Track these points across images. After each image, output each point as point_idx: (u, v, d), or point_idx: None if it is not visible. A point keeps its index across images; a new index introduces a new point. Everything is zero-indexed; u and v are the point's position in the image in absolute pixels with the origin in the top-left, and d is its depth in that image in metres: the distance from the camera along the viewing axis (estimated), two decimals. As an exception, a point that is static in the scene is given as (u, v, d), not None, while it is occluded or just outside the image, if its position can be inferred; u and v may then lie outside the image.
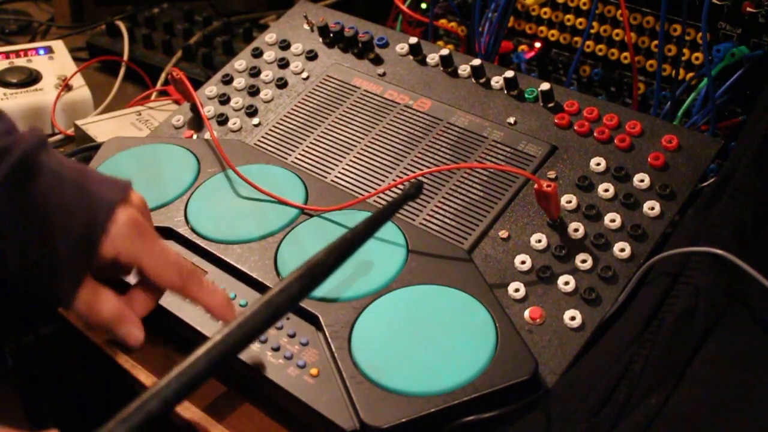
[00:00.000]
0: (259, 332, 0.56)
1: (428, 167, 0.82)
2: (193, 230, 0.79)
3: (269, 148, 0.88)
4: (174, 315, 0.73)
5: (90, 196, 0.64)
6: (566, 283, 0.70)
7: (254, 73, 0.97)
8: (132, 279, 0.70)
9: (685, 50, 0.89)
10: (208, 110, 0.94)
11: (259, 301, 0.55)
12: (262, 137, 0.90)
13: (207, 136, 0.92)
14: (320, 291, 0.71)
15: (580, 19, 0.98)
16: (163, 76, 1.16)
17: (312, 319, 0.70)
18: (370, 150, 0.85)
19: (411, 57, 0.93)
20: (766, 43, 0.83)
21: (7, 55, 1.15)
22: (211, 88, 0.97)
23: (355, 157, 0.85)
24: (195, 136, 0.92)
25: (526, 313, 0.68)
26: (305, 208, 0.80)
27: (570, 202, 0.75)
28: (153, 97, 1.11)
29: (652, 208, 0.73)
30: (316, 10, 1.02)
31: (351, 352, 0.66)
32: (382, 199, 0.80)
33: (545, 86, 0.84)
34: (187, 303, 0.73)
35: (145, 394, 0.51)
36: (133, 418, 0.50)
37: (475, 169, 0.80)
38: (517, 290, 0.70)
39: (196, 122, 0.94)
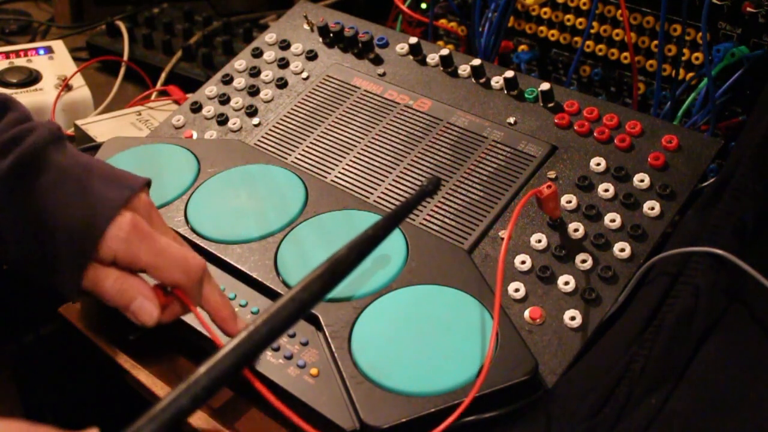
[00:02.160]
0: (284, 329, 0.55)
1: (428, 167, 0.82)
2: (193, 230, 0.79)
3: (269, 148, 0.88)
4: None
5: (91, 197, 0.63)
6: (566, 283, 0.70)
7: (254, 73, 0.97)
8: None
9: (685, 50, 0.89)
10: (208, 110, 0.94)
11: (284, 298, 0.55)
12: (262, 137, 0.90)
13: (207, 136, 0.92)
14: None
15: (580, 19, 0.98)
16: (163, 76, 1.16)
17: (312, 319, 0.70)
18: (370, 150, 0.85)
19: (411, 57, 0.93)
20: (766, 43, 0.83)
21: (7, 55, 1.15)
22: (211, 88, 0.97)
23: (355, 157, 0.85)
24: (194, 136, 0.92)
25: (526, 313, 0.68)
26: None
27: (570, 202, 0.75)
28: (153, 97, 1.11)
29: (652, 208, 0.73)
30: (316, 10, 1.02)
31: (351, 352, 0.66)
32: (384, 200, 0.80)
33: (545, 86, 0.84)
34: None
35: (175, 391, 0.50)
36: (164, 414, 0.50)
37: (475, 170, 0.80)
38: (517, 290, 0.70)
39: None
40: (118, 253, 0.63)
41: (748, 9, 0.83)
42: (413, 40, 0.93)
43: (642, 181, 0.75)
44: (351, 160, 0.85)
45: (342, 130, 0.88)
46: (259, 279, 0.74)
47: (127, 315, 0.64)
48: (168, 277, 0.64)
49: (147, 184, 0.68)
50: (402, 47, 0.94)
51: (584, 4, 0.96)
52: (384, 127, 0.87)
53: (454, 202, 0.78)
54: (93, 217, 0.62)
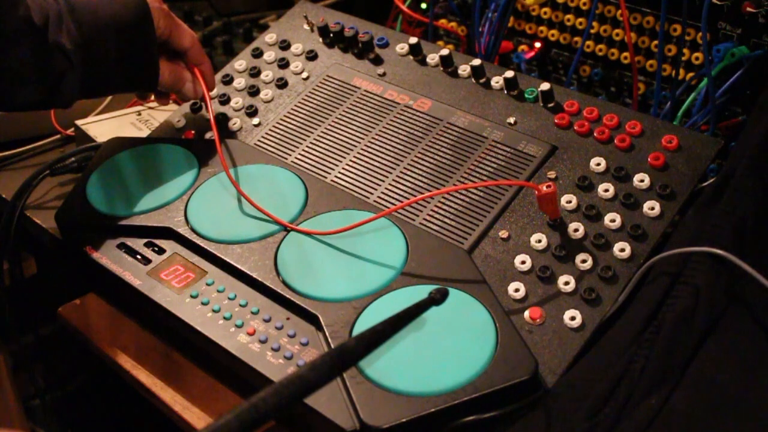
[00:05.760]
0: (285, 407, 0.53)
1: (428, 167, 0.82)
2: (193, 230, 0.79)
3: (269, 148, 0.88)
4: (174, 315, 0.73)
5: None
6: (566, 283, 0.70)
7: (254, 73, 0.97)
8: None
9: (685, 50, 0.89)
10: (208, 110, 0.95)
11: (288, 376, 0.52)
12: (262, 137, 0.90)
13: (207, 136, 0.92)
14: (320, 291, 0.71)
15: (580, 19, 0.98)
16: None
17: (312, 319, 0.70)
18: (370, 150, 0.85)
19: (411, 57, 0.93)
20: (766, 43, 0.83)
21: (7, 55, 1.14)
22: (211, 88, 0.97)
23: (355, 157, 0.85)
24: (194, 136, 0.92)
25: (526, 313, 0.68)
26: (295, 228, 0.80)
27: (570, 202, 0.75)
28: (153, 97, 1.10)
29: (652, 208, 0.73)
30: (316, 10, 1.02)
31: (351, 352, 0.66)
32: (384, 200, 0.80)
33: (545, 86, 0.84)
34: (187, 303, 0.73)
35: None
36: None
37: (475, 170, 0.80)
38: (517, 290, 0.70)
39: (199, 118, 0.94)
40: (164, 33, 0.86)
41: (748, 9, 0.83)
42: (413, 40, 0.93)
43: (642, 181, 0.75)
44: (351, 160, 0.85)
45: (342, 130, 0.88)
46: (259, 279, 0.74)
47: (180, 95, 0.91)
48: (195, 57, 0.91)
49: None
50: (402, 47, 0.94)
51: (584, 4, 0.96)
52: (384, 127, 0.87)
53: (454, 202, 0.78)
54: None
